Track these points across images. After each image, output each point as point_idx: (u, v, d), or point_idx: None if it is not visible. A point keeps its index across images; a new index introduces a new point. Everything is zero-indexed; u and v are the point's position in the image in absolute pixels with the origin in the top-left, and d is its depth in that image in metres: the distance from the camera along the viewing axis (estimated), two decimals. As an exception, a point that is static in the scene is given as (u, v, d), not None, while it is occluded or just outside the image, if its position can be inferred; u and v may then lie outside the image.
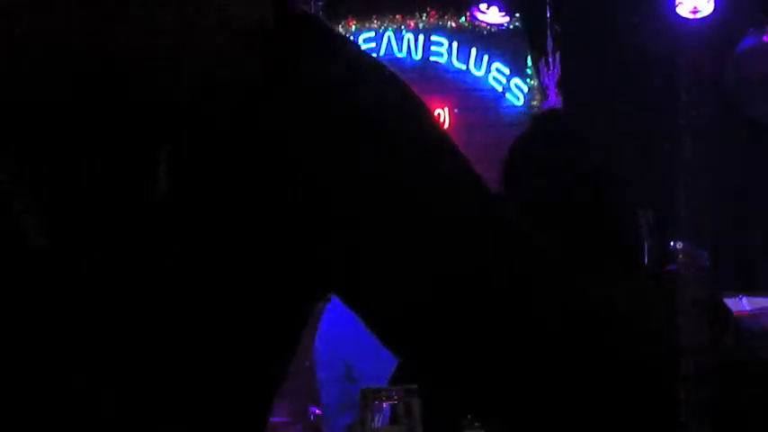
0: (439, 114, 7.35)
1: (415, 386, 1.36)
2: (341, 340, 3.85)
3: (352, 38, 7.23)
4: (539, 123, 2.34)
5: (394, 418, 1.31)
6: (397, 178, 0.86)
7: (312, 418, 5.04)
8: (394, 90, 0.91)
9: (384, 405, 1.33)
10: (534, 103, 7.31)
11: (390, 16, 7.57)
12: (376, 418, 1.33)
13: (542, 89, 7.12)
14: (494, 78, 7.52)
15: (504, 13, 7.34)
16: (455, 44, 7.52)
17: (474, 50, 7.51)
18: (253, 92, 0.84)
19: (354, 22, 7.55)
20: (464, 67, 7.54)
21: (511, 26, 7.42)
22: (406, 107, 0.91)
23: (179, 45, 0.81)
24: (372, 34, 7.56)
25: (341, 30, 7.26)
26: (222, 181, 0.83)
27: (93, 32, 0.79)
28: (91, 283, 0.81)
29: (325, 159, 0.85)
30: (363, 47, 7.33)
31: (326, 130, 0.86)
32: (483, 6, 7.35)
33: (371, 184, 0.86)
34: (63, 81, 0.79)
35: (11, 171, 0.79)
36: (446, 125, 7.25)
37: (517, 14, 7.38)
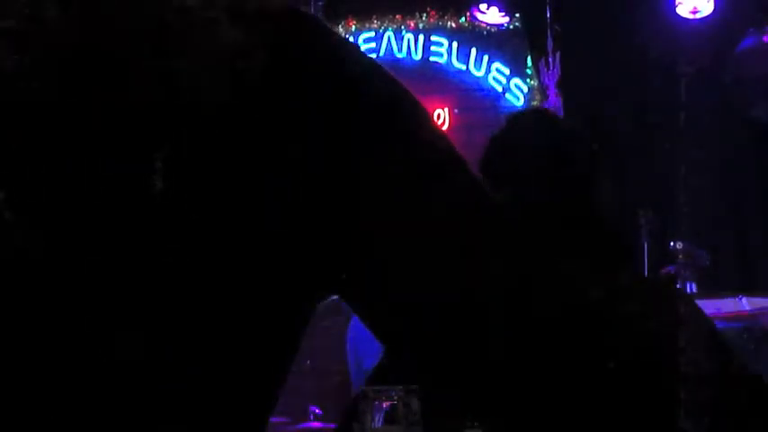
0: (439, 114, 7.36)
1: (415, 386, 1.36)
2: (361, 349, 3.89)
3: (352, 38, 7.23)
4: (515, 121, 2.31)
5: (394, 418, 1.31)
6: (396, 178, 0.86)
7: (312, 417, 5.04)
8: (393, 91, 0.91)
9: (384, 405, 1.33)
10: (534, 103, 7.31)
11: (390, 16, 7.57)
12: (376, 418, 1.33)
13: (542, 89, 7.12)
14: (494, 78, 7.53)
15: (504, 13, 7.35)
16: (455, 44, 7.52)
17: (474, 50, 7.52)
18: (253, 92, 0.84)
19: (354, 22, 7.56)
20: (464, 68, 7.54)
21: (511, 26, 7.43)
22: (406, 108, 0.91)
23: (180, 44, 0.81)
24: (372, 34, 7.57)
25: (341, 30, 7.26)
26: (222, 181, 0.84)
27: (92, 31, 0.79)
28: (90, 283, 0.81)
29: (324, 160, 0.85)
30: (363, 47, 7.34)
31: (326, 130, 0.86)
32: (483, 6, 7.36)
33: (371, 185, 0.86)
34: (61, 80, 0.79)
35: (6, 171, 0.79)
36: (446, 125, 7.26)
37: (517, 14, 7.39)
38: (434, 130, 0.93)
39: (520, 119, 2.38)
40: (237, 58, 0.83)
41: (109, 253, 0.80)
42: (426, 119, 0.92)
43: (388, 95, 0.91)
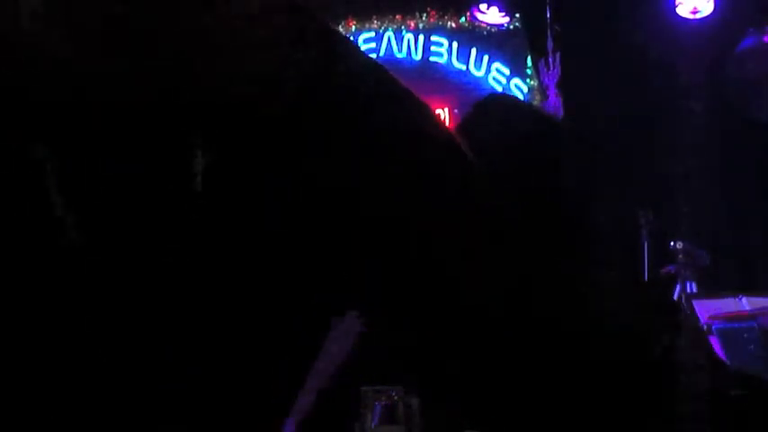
0: (439, 114, 7.35)
1: (415, 386, 1.36)
2: None
3: (351, 38, 7.23)
4: (481, 109, 2.28)
5: (394, 418, 1.31)
6: (396, 178, 0.87)
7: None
8: (394, 92, 0.92)
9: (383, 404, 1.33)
10: (534, 102, 7.31)
11: (390, 16, 7.56)
12: (373, 419, 1.33)
13: (542, 89, 7.12)
14: (494, 78, 7.53)
15: (504, 13, 7.35)
16: (455, 44, 7.52)
17: (474, 50, 7.51)
18: (262, 95, 0.85)
19: (354, 22, 7.55)
20: (464, 68, 7.54)
21: (511, 26, 7.42)
22: (407, 109, 0.92)
23: (209, 55, 0.82)
24: (372, 34, 7.56)
25: (340, 30, 7.25)
26: (232, 184, 0.84)
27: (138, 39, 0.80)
28: (96, 283, 0.81)
29: (324, 160, 0.86)
30: (363, 47, 7.33)
31: (326, 130, 0.86)
32: (483, 6, 7.36)
33: (371, 185, 0.86)
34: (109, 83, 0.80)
35: (55, 170, 0.80)
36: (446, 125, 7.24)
37: (517, 14, 7.39)
38: (436, 129, 0.93)
39: (485, 106, 2.33)
40: (271, 66, 0.84)
41: (113, 252, 0.80)
42: (428, 118, 0.92)
43: (389, 96, 0.91)
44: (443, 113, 7.38)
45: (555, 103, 6.87)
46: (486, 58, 7.52)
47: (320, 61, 0.81)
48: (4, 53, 0.76)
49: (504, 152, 2.06)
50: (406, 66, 7.37)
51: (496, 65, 7.51)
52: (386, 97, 0.83)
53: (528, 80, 7.45)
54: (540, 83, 7.14)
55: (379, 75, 0.83)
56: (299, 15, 0.84)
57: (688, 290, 5.22)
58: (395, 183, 0.78)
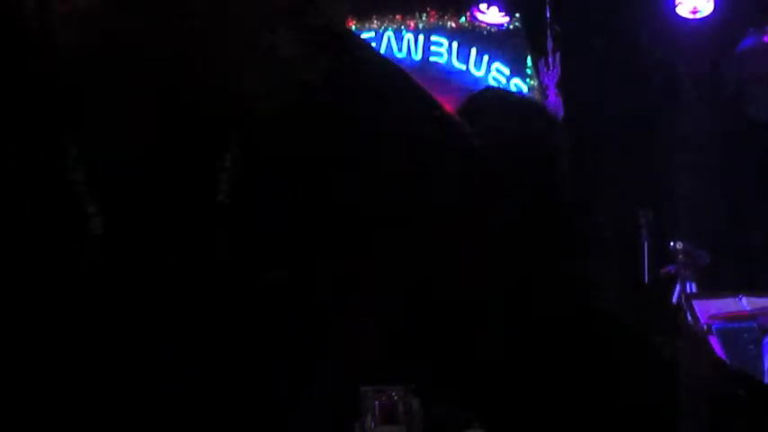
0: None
1: (415, 386, 1.36)
2: None
3: (352, 38, 7.21)
4: (476, 101, 2.28)
5: (394, 418, 1.31)
6: (396, 178, 0.87)
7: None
8: (398, 89, 0.92)
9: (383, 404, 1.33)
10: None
11: (390, 16, 7.56)
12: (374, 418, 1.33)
13: (542, 89, 7.12)
14: (494, 78, 7.52)
15: (504, 13, 7.35)
16: (455, 44, 7.52)
17: (474, 50, 7.52)
18: (268, 96, 0.85)
19: (354, 22, 7.55)
20: (464, 67, 7.54)
21: (511, 26, 7.42)
22: (409, 109, 0.92)
23: (232, 72, 0.82)
24: (372, 34, 7.56)
25: (341, 30, 7.23)
26: (231, 184, 0.84)
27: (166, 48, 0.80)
28: (97, 283, 0.82)
29: (324, 160, 0.86)
30: (363, 47, 7.30)
31: (325, 131, 0.86)
32: (483, 6, 7.37)
33: (371, 184, 0.86)
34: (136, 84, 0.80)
35: (83, 171, 0.80)
36: (446, 125, 7.22)
37: (517, 14, 7.39)
38: (438, 124, 0.93)
39: (478, 101, 2.33)
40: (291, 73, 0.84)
41: (117, 252, 0.80)
42: (431, 114, 0.92)
43: (390, 96, 0.91)
44: (443, 113, 7.38)
45: (555, 103, 6.87)
46: (486, 58, 7.52)
47: (325, 61, 0.81)
48: (31, 56, 0.77)
49: (500, 147, 2.05)
50: (406, 66, 7.36)
51: (496, 65, 7.52)
52: (391, 95, 0.83)
53: (528, 80, 7.45)
54: (540, 83, 7.14)
55: (386, 71, 0.83)
56: (304, 15, 0.85)
57: (688, 290, 5.22)
58: (396, 183, 0.78)
